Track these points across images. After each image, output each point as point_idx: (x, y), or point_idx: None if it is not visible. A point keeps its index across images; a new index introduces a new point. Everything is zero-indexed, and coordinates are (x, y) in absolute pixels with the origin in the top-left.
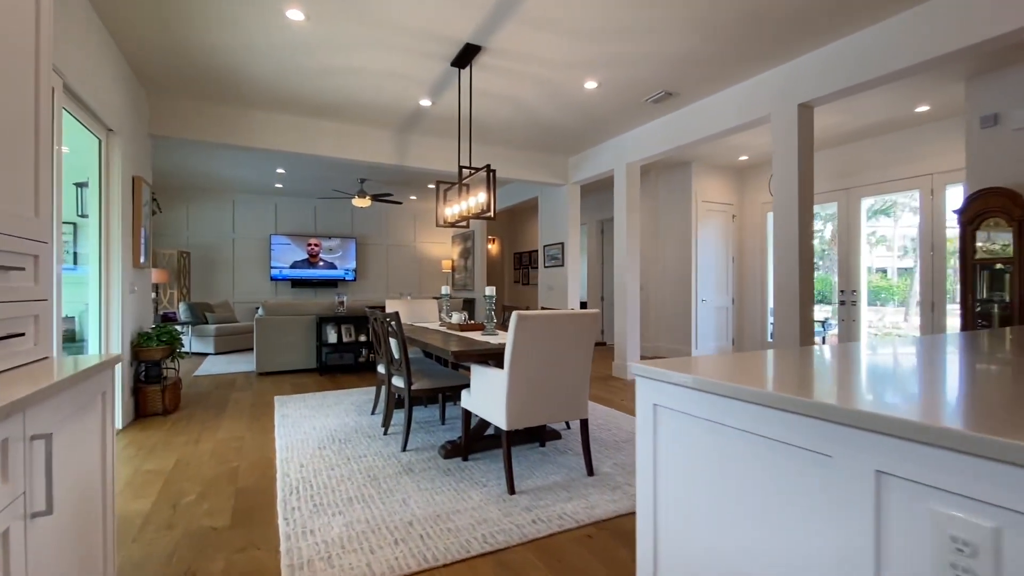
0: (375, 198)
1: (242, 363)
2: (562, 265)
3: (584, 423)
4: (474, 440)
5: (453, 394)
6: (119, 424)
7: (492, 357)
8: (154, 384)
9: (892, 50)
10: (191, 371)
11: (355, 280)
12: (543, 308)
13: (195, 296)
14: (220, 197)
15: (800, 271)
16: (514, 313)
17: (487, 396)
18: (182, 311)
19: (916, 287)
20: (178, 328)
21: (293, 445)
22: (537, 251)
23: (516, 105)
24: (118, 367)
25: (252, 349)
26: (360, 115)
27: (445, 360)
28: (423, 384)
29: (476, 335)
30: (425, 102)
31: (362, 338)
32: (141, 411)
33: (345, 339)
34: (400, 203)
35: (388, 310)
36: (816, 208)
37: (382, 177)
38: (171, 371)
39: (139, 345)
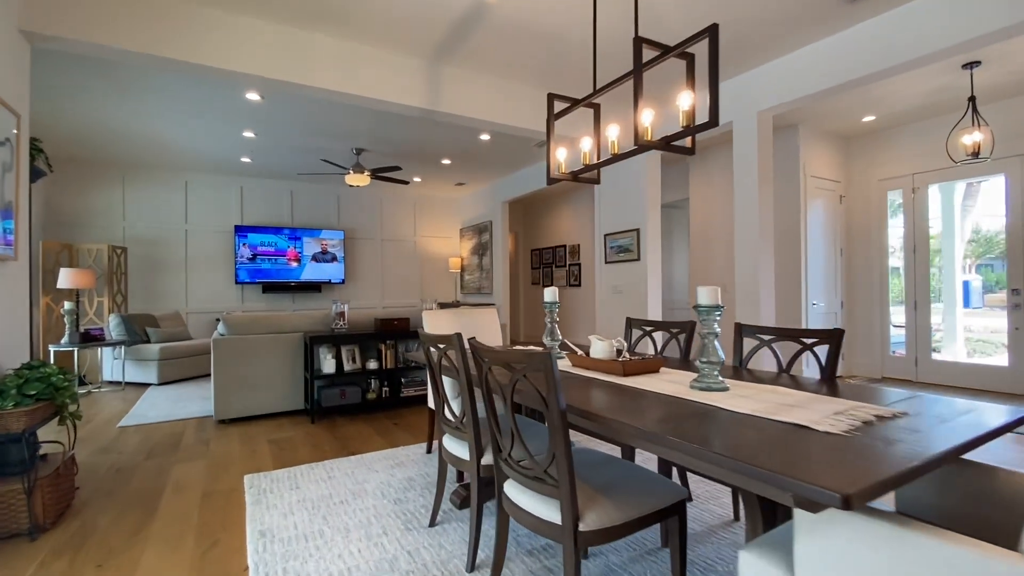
0: (376, 175)
1: (196, 399)
2: (637, 259)
3: None
4: None
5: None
6: None
7: None
8: (14, 477)
9: None
10: (114, 418)
11: (343, 283)
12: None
13: (133, 306)
14: (168, 176)
15: None
16: None
17: None
18: (113, 326)
19: None
20: (110, 350)
21: None
22: (561, 248)
23: (620, 5)
24: None
25: (210, 376)
26: (376, 23)
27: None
28: (608, 515)
29: (676, 388)
30: None
31: (371, 364)
32: None
33: (347, 367)
34: (407, 182)
35: (430, 329)
36: (935, 185)
37: (386, 148)
38: (58, 446)
39: None
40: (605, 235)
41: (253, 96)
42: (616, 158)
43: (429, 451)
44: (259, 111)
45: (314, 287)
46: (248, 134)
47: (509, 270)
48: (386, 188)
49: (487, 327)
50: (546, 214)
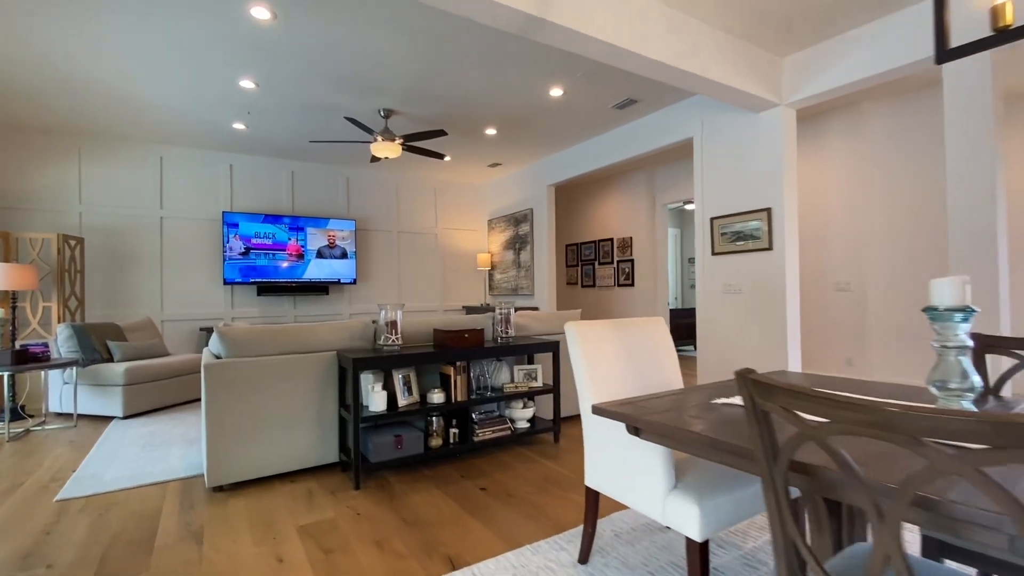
0: (409, 143)
1: (177, 443)
2: (768, 248)
3: None
4: None
5: None
6: None
7: None
8: None
9: None
10: (53, 482)
11: (355, 283)
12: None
13: (91, 313)
14: (138, 149)
15: None
16: None
17: None
18: (62, 340)
19: None
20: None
21: None
22: (606, 242)
23: None
24: None
25: (195, 403)
26: None
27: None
28: None
29: None
30: None
31: (435, 397)
32: None
33: (401, 401)
34: (443, 156)
35: (588, 361)
36: None
37: (422, 110)
38: None
39: None
40: (712, 219)
41: (261, 12)
42: None
43: (584, 561)
44: (266, 42)
45: (320, 288)
46: (247, 83)
47: (556, 267)
48: (402, 170)
49: (661, 353)
50: (586, 204)
